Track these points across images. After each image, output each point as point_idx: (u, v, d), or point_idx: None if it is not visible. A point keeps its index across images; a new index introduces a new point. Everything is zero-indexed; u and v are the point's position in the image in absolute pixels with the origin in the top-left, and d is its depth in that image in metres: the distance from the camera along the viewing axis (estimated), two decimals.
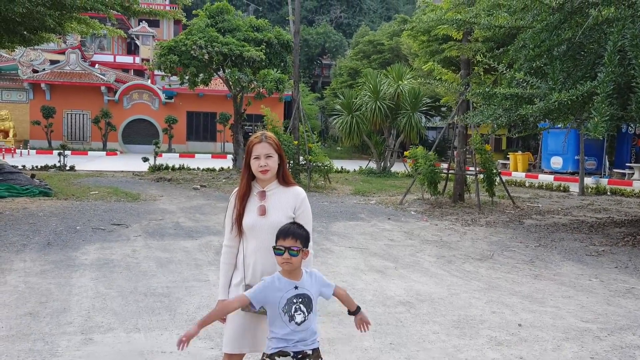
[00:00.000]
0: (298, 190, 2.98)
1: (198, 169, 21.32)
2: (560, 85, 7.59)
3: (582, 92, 6.98)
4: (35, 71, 34.26)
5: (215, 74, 19.39)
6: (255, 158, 2.87)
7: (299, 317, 2.58)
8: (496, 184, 13.76)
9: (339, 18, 64.13)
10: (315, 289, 2.67)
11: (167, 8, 40.94)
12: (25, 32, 11.08)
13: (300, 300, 2.59)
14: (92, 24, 12.00)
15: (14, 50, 24.68)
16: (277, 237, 2.63)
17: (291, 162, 16.20)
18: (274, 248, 2.62)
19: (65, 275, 6.37)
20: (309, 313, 2.61)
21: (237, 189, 2.97)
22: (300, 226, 2.71)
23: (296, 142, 16.07)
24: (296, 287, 2.60)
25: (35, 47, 25.93)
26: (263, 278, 2.70)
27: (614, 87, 6.88)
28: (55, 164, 20.35)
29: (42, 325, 4.75)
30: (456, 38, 13.66)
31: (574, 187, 17.99)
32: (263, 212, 2.87)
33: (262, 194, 2.91)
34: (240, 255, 2.92)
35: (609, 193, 17.29)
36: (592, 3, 7.96)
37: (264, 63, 18.61)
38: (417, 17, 17.13)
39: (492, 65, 9.97)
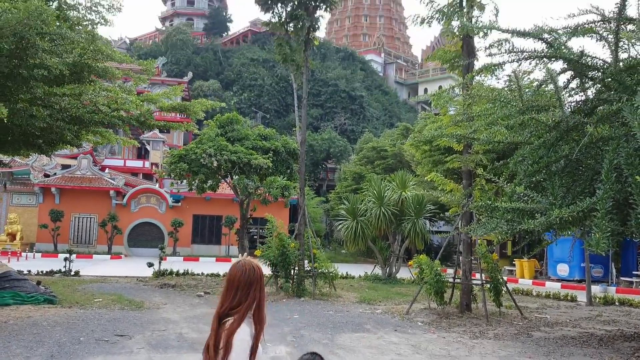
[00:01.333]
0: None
1: (202, 274, 21.23)
2: (560, 201, 7.80)
3: (582, 208, 7.17)
4: (46, 175, 35.07)
5: (223, 180, 19.88)
6: None
7: None
8: (503, 293, 13.65)
9: (343, 125, 66.26)
10: None
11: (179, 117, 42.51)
12: (43, 144, 11.60)
13: None
14: (108, 135, 12.55)
15: (29, 157, 25.53)
16: None
17: (295, 268, 16.21)
18: None
19: None
20: None
21: (244, 333, 2.81)
22: (320, 356, 2.73)
23: (297, 248, 16.15)
24: None
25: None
26: None
27: (613, 203, 7.07)
28: (60, 269, 20.34)
29: None
30: (457, 150, 14.14)
31: (582, 296, 17.76)
32: None
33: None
34: None
35: (617, 303, 17.05)
36: (586, 122, 8.36)
37: (270, 170, 19.14)
38: (419, 128, 17.81)
39: (493, 178, 10.28)
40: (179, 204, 36.78)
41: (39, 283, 14.06)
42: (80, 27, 9.64)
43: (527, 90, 10.73)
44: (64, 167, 38.26)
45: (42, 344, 8.59)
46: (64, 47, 8.71)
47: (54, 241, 32.61)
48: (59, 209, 33.48)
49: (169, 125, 12.93)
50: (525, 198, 8.67)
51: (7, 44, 7.82)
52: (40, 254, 30.89)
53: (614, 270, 23.35)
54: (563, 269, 24.29)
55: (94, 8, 9.27)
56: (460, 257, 14.10)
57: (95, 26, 9.55)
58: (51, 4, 8.87)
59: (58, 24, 8.30)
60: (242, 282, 2.83)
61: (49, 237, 33.02)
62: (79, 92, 9.92)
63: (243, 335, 2.76)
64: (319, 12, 16.53)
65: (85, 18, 9.56)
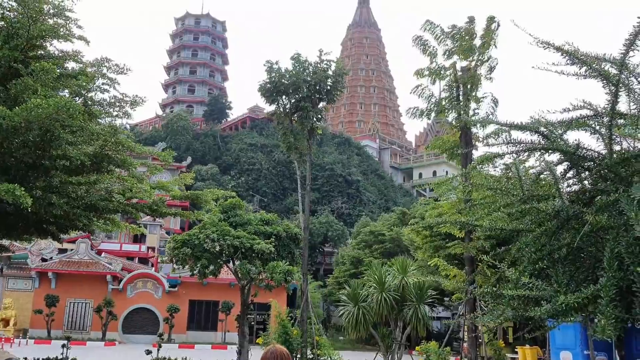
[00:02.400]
0: None
1: None
2: (565, 288, 8.00)
3: (587, 295, 7.37)
4: (44, 260, 34.96)
5: (224, 265, 19.93)
6: None
7: None
8: None
9: (340, 208, 66.85)
10: None
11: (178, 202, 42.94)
12: (55, 231, 11.82)
13: None
14: (118, 223, 12.81)
15: (30, 242, 25.59)
16: None
17: (298, 355, 16.01)
18: None
19: None
20: None
21: None
22: None
23: (301, 335, 16.02)
24: None
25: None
26: None
27: (617, 290, 7.28)
28: (57, 357, 19.93)
29: None
30: (458, 236, 14.42)
31: None
32: None
33: None
34: None
35: None
36: (586, 212, 8.70)
37: (273, 255, 19.24)
38: (419, 214, 18.14)
39: (496, 263, 10.49)
40: (176, 289, 36.47)
41: None
42: (103, 120, 10.16)
43: (525, 178, 11.15)
44: (61, 251, 38.17)
45: None
46: (85, 139, 9.15)
47: (48, 327, 32.07)
48: (54, 293, 33.16)
49: (179, 213, 13.23)
50: (530, 285, 8.86)
51: (33, 137, 8.25)
52: (33, 340, 30.28)
53: (617, 358, 23.02)
54: (566, 357, 23.91)
55: (117, 104, 9.81)
56: (463, 344, 14.05)
57: (116, 119, 10.09)
58: (78, 99, 9.40)
59: (82, 117, 8.78)
60: None
61: (42, 323, 32.48)
62: (94, 181, 10.28)
63: None
64: (321, 104, 17.35)
65: (108, 112, 10.09)
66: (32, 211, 9.78)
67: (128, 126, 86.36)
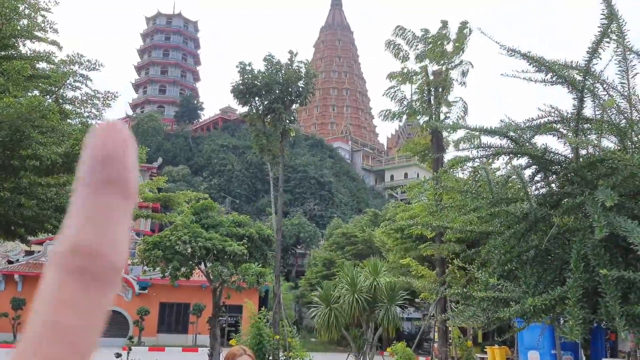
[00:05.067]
0: None
1: None
2: (533, 289, 8.19)
3: (554, 296, 7.56)
4: (10, 262, 34.21)
5: (197, 267, 19.83)
6: None
7: None
8: None
9: (312, 210, 66.96)
10: None
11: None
12: (24, 233, 11.61)
13: None
14: None
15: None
16: None
17: (270, 358, 16.00)
18: None
19: None
20: None
21: None
22: None
23: (277, 337, 16.04)
24: None
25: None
26: None
27: (583, 292, 7.49)
28: None
29: None
30: (429, 237, 14.61)
31: None
32: None
33: None
34: None
35: None
36: (553, 214, 8.92)
37: (245, 257, 19.21)
38: (390, 216, 18.32)
39: (465, 266, 10.68)
40: (146, 291, 36.05)
41: None
42: (75, 117, 10.02)
43: (494, 182, 11.37)
44: (28, 253, 37.39)
45: None
46: (55, 139, 9.02)
47: (14, 331, 31.36)
48: (21, 296, 32.44)
49: (152, 216, 13.12)
50: (499, 287, 9.04)
51: (2, 136, 8.10)
52: None
53: (583, 358, 23.56)
54: (534, 357, 24.35)
55: (89, 101, 9.69)
56: (434, 345, 14.24)
57: (88, 119, 9.95)
58: (49, 97, 9.25)
59: (53, 116, 8.65)
60: None
61: (8, 327, 31.76)
62: (64, 182, 10.13)
63: None
64: (294, 106, 17.38)
65: (79, 114, 9.96)
66: (1, 213, 9.63)
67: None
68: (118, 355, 19.80)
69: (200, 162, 73.82)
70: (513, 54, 8.75)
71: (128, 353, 20.28)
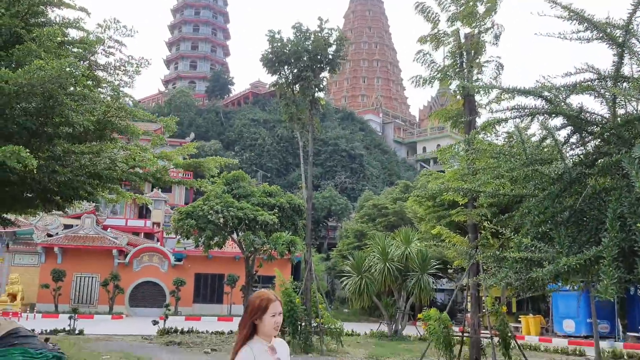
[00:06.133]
0: (281, 340, 3.35)
1: (207, 332, 21.10)
2: (567, 250, 8.03)
3: (589, 256, 7.40)
4: (49, 235, 35.19)
5: (229, 236, 20.08)
6: (273, 315, 3.19)
7: None
8: (512, 347, 13.64)
9: (343, 183, 66.93)
10: None
11: (180, 175, 42.93)
12: (60, 200, 11.87)
13: None
14: (123, 193, 12.85)
15: (35, 216, 25.75)
16: None
17: (302, 324, 16.19)
18: None
19: None
20: None
21: (244, 354, 3.11)
22: None
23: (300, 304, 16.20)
24: None
25: (53, 212, 27.01)
26: None
27: (619, 251, 7.31)
28: (64, 328, 20.23)
29: None
30: (462, 203, 14.43)
31: (590, 351, 17.67)
32: None
33: (273, 349, 3.21)
34: None
35: (626, 357, 16.96)
36: (588, 174, 8.70)
37: (276, 226, 19.37)
38: (422, 184, 18.14)
39: (499, 230, 10.53)
40: (181, 262, 36.75)
41: (47, 340, 14.02)
42: (107, 85, 10.12)
43: (528, 144, 11.12)
44: (67, 226, 38.41)
45: None
46: (87, 107, 9.14)
47: (55, 301, 32.40)
48: (61, 268, 33.43)
49: (183, 182, 13.25)
50: (533, 248, 8.89)
51: (35, 103, 8.25)
52: (40, 314, 30.63)
53: (620, 326, 23.23)
54: (569, 325, 24.15)
55: (123, 67, 9.77)
56: (467, 315, 14.13)
57: (120, 84, 10.03)
58: (83, 63, 9.35)
59: (85, 83, 8.76)
60: (245, 308, 3.27)
61: (49, 298, 32.81)
62: (98, 150, 10.30)
63: (241, 355, 3.10)
64: (323, 74, 17.24)
65: (110, 82, 10.05)
66: (36, 180, 9.85)
67: (131, 103, 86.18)
68: (155, 322, 20.32)
69: (232, 137, 74.24)
70: (554, 5, 8.44)
71: (164, 321, 20.78)
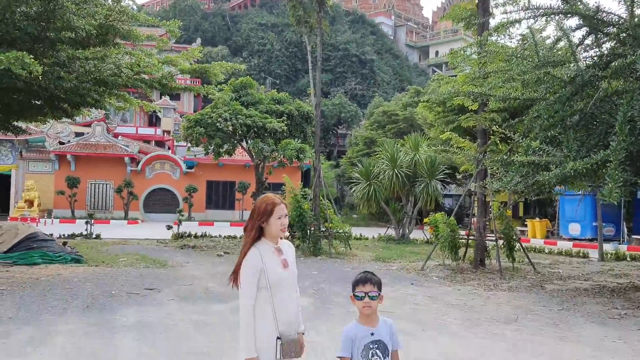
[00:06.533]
0: (287, 242, 3.43)
1: (219, 236, 21.72)
2: (575, 154, 8.01)
3: (596, 160, 7.38)
4: (61, 143, 35.50)
5: (238, 144, 20.13)
6: (279, 218, 3.26)
7: None
8: (516, 250, 13.96)
9: (353, 89, 66.07)
10: (389, 337, 2.96)
11: (188, 82, 42.52)
12: (67, 107, 11.86)
13: (376, 346, 2.89)
14: (130, 100, 12.79)
15: (45, 124, 25.86)
16: (356, 284, 2.97)
17: (311, 229, 16.58)
18: (354, 294, 2.96)
19: (108, 337, 6.68)
20: (385, 358, 2.89)
21: (251, 255, 3.19)
22: (374, 274, 3.06)
23: (309, 209, 16.48)
24: (372, 334, 2.90)
25: (64, 120, 27.03)
26: (344, 331, 2.98)
27: (626, 154, 7.28)
28: (82, 232, 20.88)
29: None
30: (472, 109, 14.28)
31: (593, 253, 18.08)
32: (286, 265, 3.26)
33: (279, 250, 3.29)
34: (268, 309, 3.16)
35: (628, 259, 17.35)
36: (601, 76, 8.51)
37: (285, 134, 19.34)
38: (432, 89, 17.86)
39: (508, 135, 10.47)
40: (193, 170, 37.21)
41: (65, 244, 14.54)
42: None
43: (541, 47, 10.81)
44: (78, 134, 38.64)
45: (76, 297, 9.03)
46: (89, 10, 8.90)
47: (72, 207, 33.23)
48: (75, 175, 34.00)
49: (189, 88, 13.12)
50: (540, 152, 8.88)
51: (36, 6, 8.04)
52: (58, 219, 31.53)
53: (625, 229, 23.61)
54: (575, 229, 24.57)
55: None
56: (473, 219, 14.37)
57: None
58: None
59: None
60: (251, 212, 3.33)
61: (66, 204, 33.64)
62: (102, 56, 10.13)
63: (249, 256, 3.19)
64: None
65: None
66: (42, 87, 9.81)
67: (135, 7, 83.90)
68: (169, 227, 20.88)
69: (239, 42, 72.68)
70: None
71: (178, 226, 21.33)
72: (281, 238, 3.36)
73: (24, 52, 7.10)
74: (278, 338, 3.12)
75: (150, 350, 6.11)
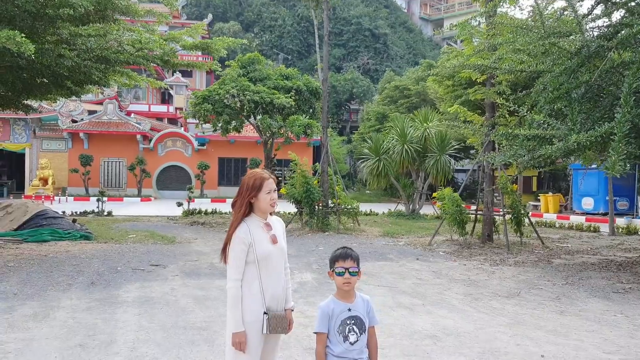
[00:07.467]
0: (277, 217, 3.41)
1: (230, 212, 21.85)
2: (579, 127, 7.87)
3: (600, 133, 7.24)
4: (74, 121, 35.72)
5: (246, 120, 20.10)
6: (268, 192, 3.23)
7: (352, 337, 2.87)
8: (525, 224, 13.86)
9: (366, 64, 65.42)
10: (366, 313, 2.95)
11: (200, 59, 42.43)
12: (71, 85, 11.88)
13: (353, 322, 2.88)
14: (135, 76, 12.76)
15: (56, 102, 25.99)
16: (336, 260, 2.95)
17: (320, 205, 16.58)
18: (333, 271, 2.95)
19: (109, 311, 6.77)
20: (361, 334, 2.89)
21: (239, 230, 3.17)
22: (353, 250, 3.04)
23: (318, 185, 16.45)
24: (349, 310, 2.90)
25: (75, 98, 27.09)
26: (321, 306, 2.97)
27: (631, 127, 7.13)
28: (93, 210, 21.11)
29: (92, 355, 5.12)
30: (480, 82, 14.06)
31: (605, 228, 17.91)
32: (275, 240, 3.25)
33: (268, 225, 3.27)
34: (255, 284, 3.14)
35: (639, 233, 17.16)
36: (608, 47, 8.30)
37: (293, 109, 19.25)
38: (441, 63, 17.60)
39: (516, 108, 10.31)
40: (205, 147, 37.31)
41: (74, 221, 14.69)
42: None
43: (549, 19, 10.56)
44: (90, 112, 38.81)
45: (82, 273, 9.14)
46: None
47: (85, 185, 33.57)
48: (88, 153, 34.29)
49: (192, 64, 13.06)
50: (545, 125, 8.75)
51: None
52: (72, 197, 31.92)
53: (639, 203, 23.32)
54: (588, 203, 24.34)
55: None
56: (481, 194, 14.26)
57: None
58: None
59: None
60: (239, 188, 3.32)
61: (79, 181, 33.99)
62: (104, 33, 10.10)
63: (238, 231, 3.18)
64: None
65: None
66: (45, 65, 9.80)
67: None
68: (179, 204, 21.03)
69: (251, 18, 72.06)
70: None
71: (189, 203, 21.47)
72: (271, 214, 3.35)
73: (16, 31, 7.08)
74: (265, 313, 3.13)
75: (149, 324, 6.18)
